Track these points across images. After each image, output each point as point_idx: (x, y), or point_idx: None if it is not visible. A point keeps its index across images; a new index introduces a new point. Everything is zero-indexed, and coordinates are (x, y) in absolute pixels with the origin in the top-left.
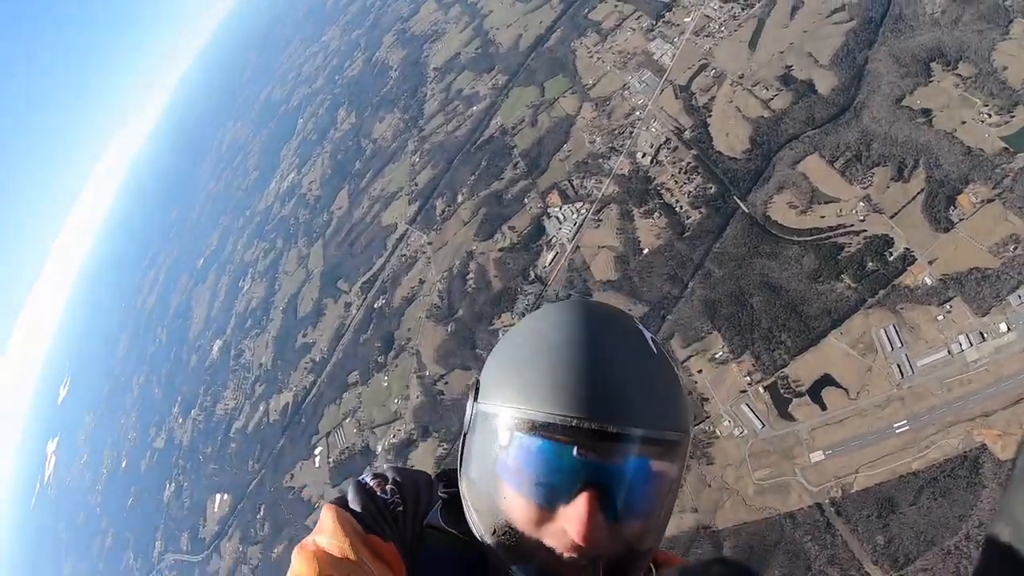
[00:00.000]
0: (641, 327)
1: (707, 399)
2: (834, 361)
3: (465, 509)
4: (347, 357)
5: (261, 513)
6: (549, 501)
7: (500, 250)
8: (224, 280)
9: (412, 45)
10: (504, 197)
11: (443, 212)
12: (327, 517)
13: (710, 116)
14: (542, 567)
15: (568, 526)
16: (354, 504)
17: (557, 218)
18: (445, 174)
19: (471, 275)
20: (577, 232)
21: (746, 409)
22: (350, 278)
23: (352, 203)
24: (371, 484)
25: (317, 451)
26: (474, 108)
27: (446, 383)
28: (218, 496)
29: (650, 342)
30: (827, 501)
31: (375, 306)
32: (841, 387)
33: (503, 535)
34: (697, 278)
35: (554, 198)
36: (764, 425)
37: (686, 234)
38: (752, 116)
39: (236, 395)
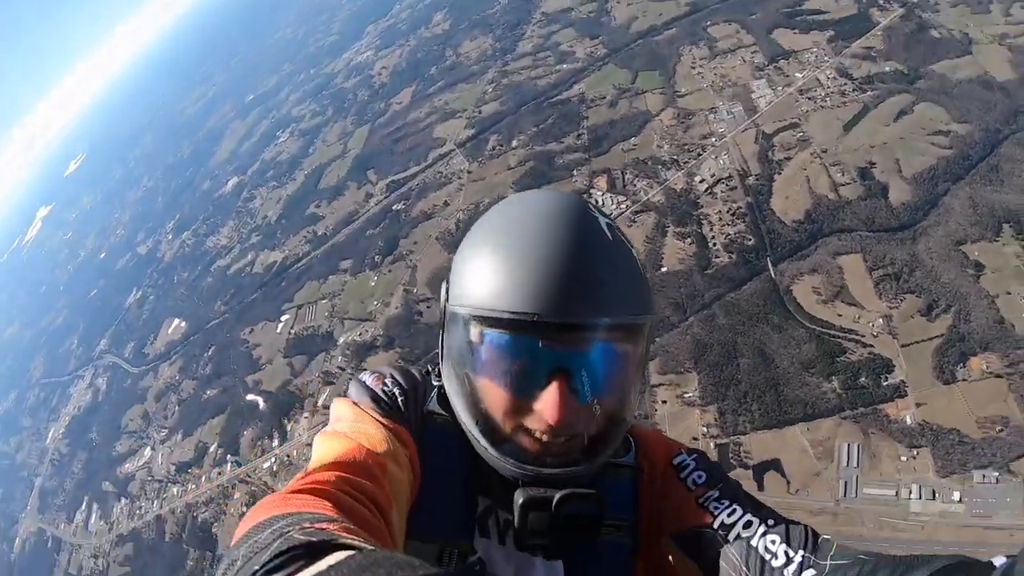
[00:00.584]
0: (597, 212)
1: (658, 427)
2: (790, 451)
3: (450, 402)
4: (347, 243)
5: (209, 353)
6: (523, 390)
7: None
8: (264, 124)
9: None
10: (555, 160)
11: (493, 149)
12: (342, 407)
13: (779, 173)
14: (524, 451)
15: (542, 410)
16: (362, 396)
17: (596, 202)
18: (511, 115)
19: None
20: None
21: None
22: (381, 172)
23: (413, 103)
24: (371, 381)
25: (284, 317)
26: (563, 66)
27: (428, 307)
28: (176, 321)
29: (606, 228)
30: None
31: (393, 208)
32: (785, 477)
33: (484, 425)
34: (700, 316)
35: (601, 182)
36: None
37: (708, 270)
38: (818, 192)
39: (231, 235)
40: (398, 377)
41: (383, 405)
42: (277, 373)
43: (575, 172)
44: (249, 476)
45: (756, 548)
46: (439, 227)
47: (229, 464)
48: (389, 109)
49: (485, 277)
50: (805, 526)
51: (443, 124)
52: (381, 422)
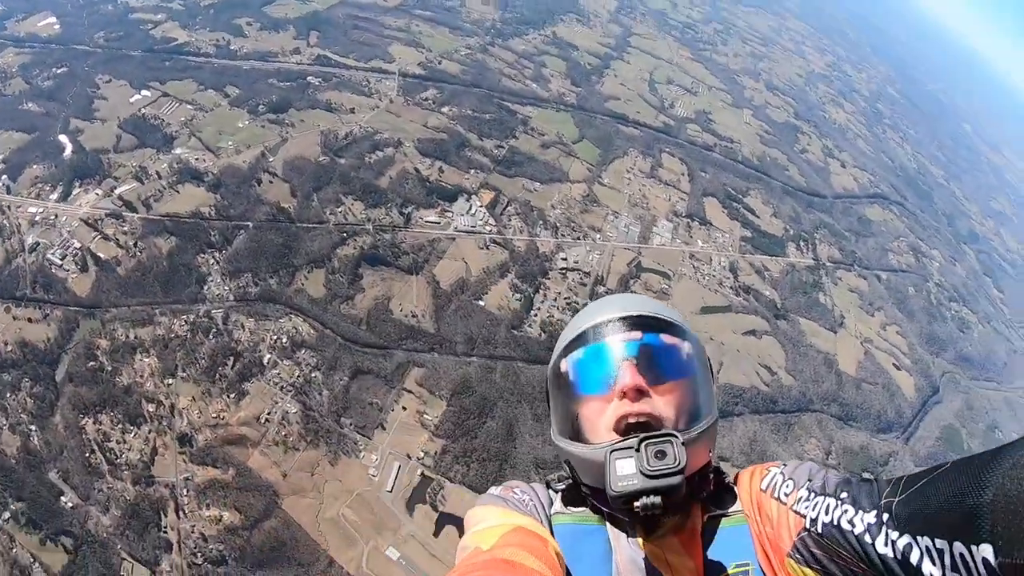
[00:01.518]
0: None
1: (384, 427)
2: None
3: (563, 450)
4: (248, 75)
5: (58, 71)
6: (606, 386)
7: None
8: None
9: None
10: (465, 149)
11: (426, 99)
12: (482, 510)
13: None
14: (614, 441)
15: (619, 384)
16: (497, 501)
17: (468, 206)
18: (462, 86)
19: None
20: (460, 230)
21: (395, 467)
22: (323, 41)
23: (394, 10)
24: (500, 491)
25: (144, 93)
26: (533, 84)
27: (270, 182)
28: (53, 19)
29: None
30: None
31: (307, 78)
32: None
33: (593, 444)
34: (483, 362)
35: (486, 196)
36: (390, 491)
37: (515, 330)
38: None
39: None
40: (523, 486)
41: (517, 506)
42: (101, 135)
43: (472, 171)
44: (7, 208)
45: (840, 527)
46: (330, 123)
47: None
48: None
49: (567, 333)
50: (860, 477)
51: (403, 47)
52: (524, 515)
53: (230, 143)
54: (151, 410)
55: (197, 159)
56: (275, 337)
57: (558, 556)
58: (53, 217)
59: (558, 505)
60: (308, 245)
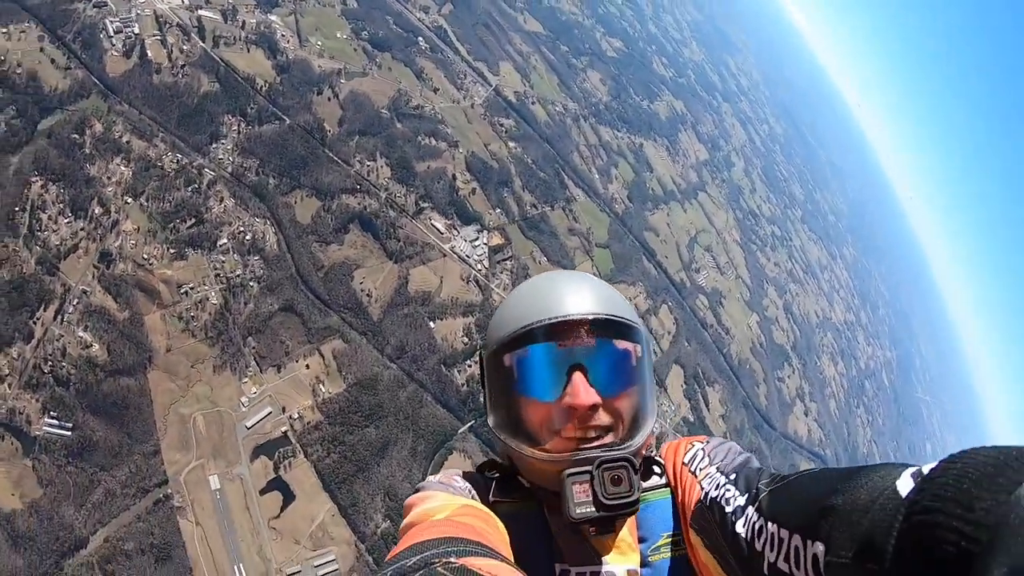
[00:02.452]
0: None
1: (279, 370)
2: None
3: (502, 442)
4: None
5: None
6: (553, 393)
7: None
8: None
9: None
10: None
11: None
12: (425, 494)
13: None
14: (567, 458)
15: (569, 399)
16: (438, 488)
17: (475, 238)
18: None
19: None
20: (456, 252)
21: (266, 412)
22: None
23: None
24: (442, 477)
25: None
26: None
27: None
28: None
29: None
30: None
31: None
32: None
33: (530, 440)
34: (401, 372)
35: (495, 239)
36: (248, 428)
37: (445, 367)
38: None
39: None
40: (461, 475)
41: (459, 492)
42: None
43: (498, 210)
44: None
45: (720, 503)
46: (411, 87)
47: None
48: (518, 13)
49: (507, 319)
50: (759, 467)
51: (513, 70)
52: (468, 499)
53: (319, 44)
54: (96, 212)
55: (283, 36)
56: (241, 230)
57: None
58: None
59: (495, 493)
60: (322, 174)
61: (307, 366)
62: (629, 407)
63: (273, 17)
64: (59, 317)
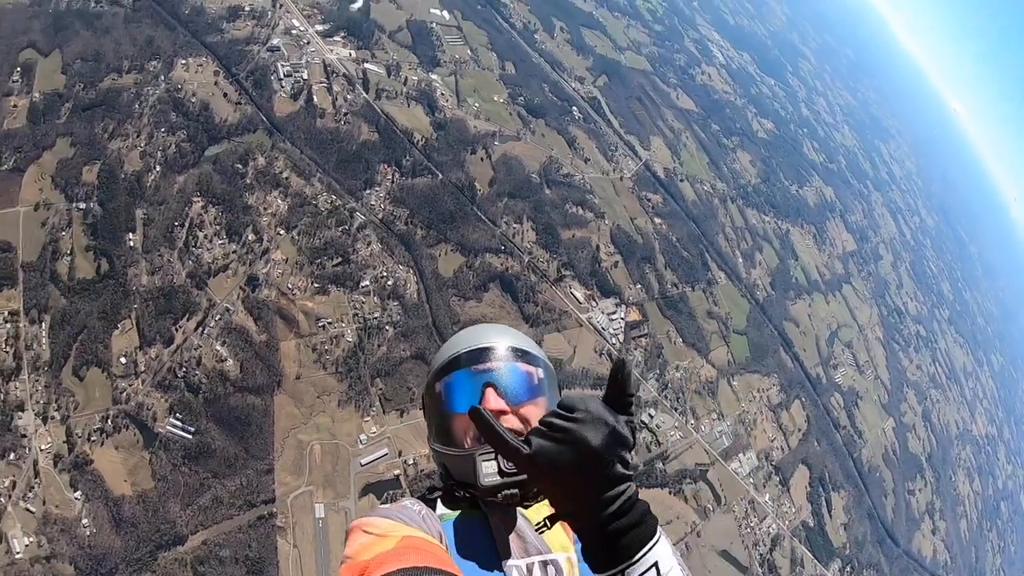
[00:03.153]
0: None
1: (402, 415)
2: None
3: (439, 454)
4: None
5: None
6: (470, 405)
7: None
8: None
9: None
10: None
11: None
12: (371, 520)
13: (671, 492)
14: (487, 459)
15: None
16: (382, 517)
17: (613, 311)
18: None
19: None
20: (592, 324)
21: (382, 452)
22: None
23: None
24: (387, 508)
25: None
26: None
27: None
28: None
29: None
30: None
31: None
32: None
33: (463, 449)
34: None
35: (633, 314)
36: (362, 465)
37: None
38: None
39: None
40: (411, 500)
41: (404, 518)
42: (389, 16)
43: (638, 286)
44: (279, 6)
45: None
46: (562, 154)
47: None
48: (671, 89)
49: (439, 358)
50: None
51: (663, 146)
52: (412, 526)
53: (476, 105)
54: (249, 238)
55: (442, 94)
56: (384, 274)
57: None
58: (305, 42)
59: (441, 509)
60: (468, 231)
61: None
62: (535, 414)
63: (434, 76)
64: (200, 329)
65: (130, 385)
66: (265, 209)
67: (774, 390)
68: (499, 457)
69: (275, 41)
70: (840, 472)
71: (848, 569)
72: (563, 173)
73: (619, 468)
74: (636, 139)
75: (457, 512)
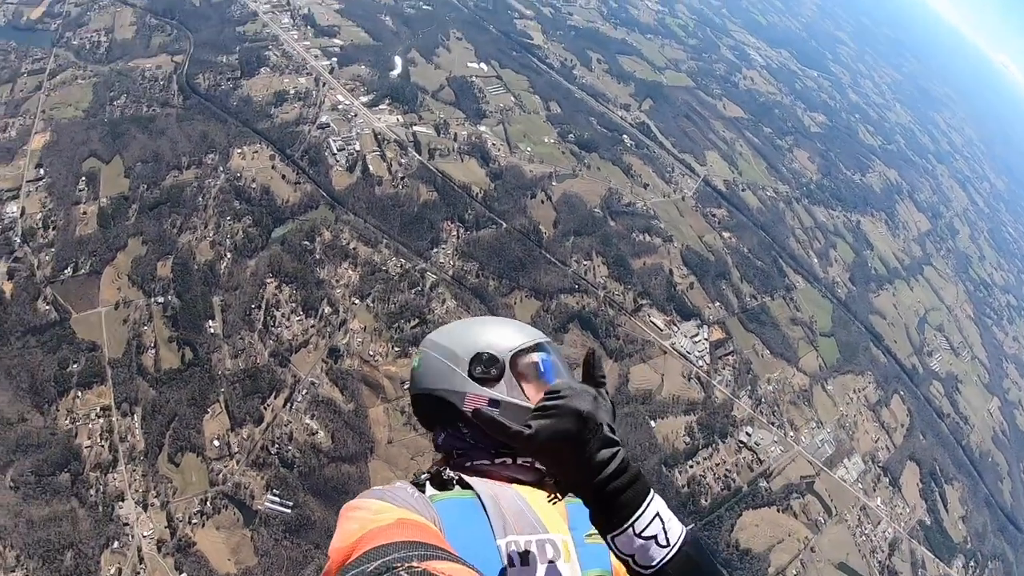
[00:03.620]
0: None
1: None
2: None
3: (499, 424)
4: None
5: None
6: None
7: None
8: None
9: None
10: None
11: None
12: (362, 501)
13: (779, 511)
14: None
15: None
16: (380, 495)
17: (695, 333)
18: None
19: None
20: (676, 349)
21: None
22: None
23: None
24: (382, 488)
25: (480, 66)
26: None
27: None
28: None
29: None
30: None
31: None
32: None
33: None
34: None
35: (716, 333)
36: None
37: (666, 467)
38: (776, 559)
39: None
40: (402, 483)
41: (395, 499)
42: (429, 77)
43: (717, 303)
44: (323, 84)
45: None
46: (621, 184)
47: (328, 63)
48: (717, 100)
49: (510, 334)
50: None
51: (719, 158)
52: (404, 508)
53: (528, 149)
54: (326, 311)
55: (493, 144)
56: None
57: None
58: (352, 115)
59: (430, 490)
60: (540, 275)
61: None
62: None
63: (482, 128)
64: (288, 405)
65: (225, 466)
66: (338, 281)
67: (870, 388)
68: None
69: (324, 118)
70: (951, 463)
71: (972, 564)
72: (624, 203)
73: (608, 432)
74: (691, 156)
75: (448, 494)
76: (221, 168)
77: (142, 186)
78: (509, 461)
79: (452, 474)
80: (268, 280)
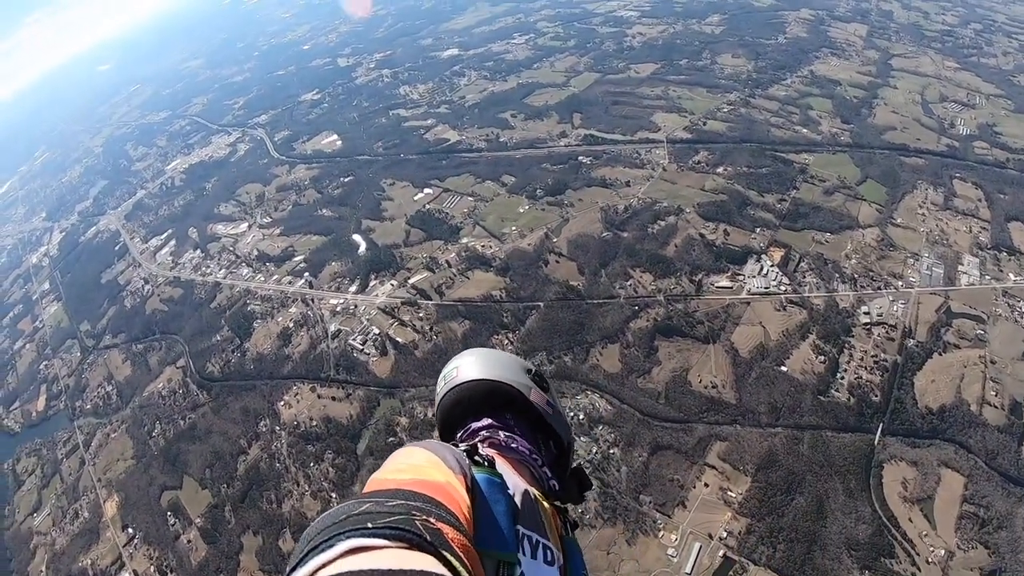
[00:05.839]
0: None
1: (684, 505)
2: None
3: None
4: (521, 162)
5: (345, 180)
6: None
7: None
8: (508, 19)
9: None
10: (747, 207)
11: (698, 163)
12: (418, 451)
13: (939, 353)
14: None
15: None
16: (432, 447)
17: (759, 267)
18: (732, 144)
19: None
20: (754, 293)
21: (696, 548)
22: (587, 121)
23: (649, 79)
24: (434, 443)
25: (427, 191)
26: (803, 129)
27: (556, 261)
28: (335, 136)
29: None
30: None
31: (579, 158)
32: None
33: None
34: (788, 433)
35: (776, 253)
36: (689, 573)
37: (822, 396)
38: (964, 395)
39: (425, 95)
40: (455, 448)
41: (447, 460)
42: (391, 232)
43: (757, 229)
44: (311, 300)
45: None
46: (609, 199)
47: (303, 280)
48: (626, 72)
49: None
50: None
51: (665, 114)
52: (451, 471)
53: (513, 228)
54: None
55: (483, 246)
56: (572, 414)
57: (468, 509)
58: (353, 307)
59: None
60: (600, 321)
61: (705, 484)
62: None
63: (464, 240)
64: None
65: None
66: None
67: (930, 192)
68: None
69: (332, 327)
70: None
71: None
72: (622, 210)
73: None
74: (644, 131)
75: (478, 469)
76: (277, 427)
77: (222, 488)
78: (539, 460)
79: (487, 452)
80: None
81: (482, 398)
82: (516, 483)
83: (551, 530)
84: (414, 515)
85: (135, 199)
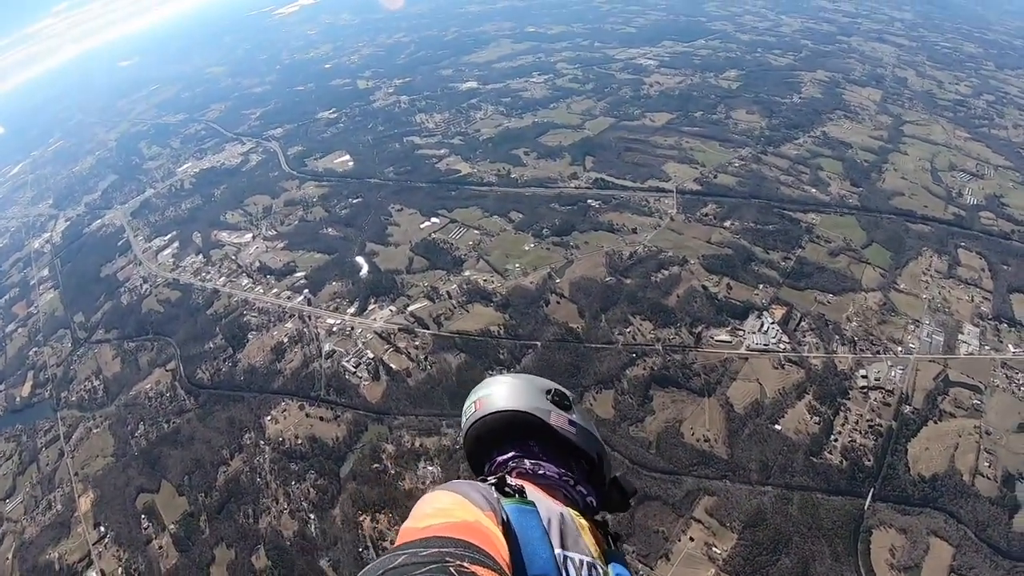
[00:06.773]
0: None
1: (668, 558)
2: None
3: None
4: (529, 200)
5: (353, 201)
6: None
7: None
8: (528, 58)
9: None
10: (751, 263)
11: (706, 215)
12: (445, 495)
13: (934, 421)
14: None
15: None
16: (460, 491)
17: (760, 323)
18: (740, 198)
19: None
20: (753, 349)
21: None
22: (598, 165)
23: (663, 129)
24: (461, 484)
25: (434, 220)
26: (812, 189)
27: (557, 303)
28: (347, 156)
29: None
30: None
31: (588, 201)
32: None
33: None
34: (778, 492)
35: (777, 311)
36: None
37: (814, 457)
38: (956, 464)
39: (440, 124)
40: (480, 483)
41: (473, 497)
42: (395, 257)
43: (761, 285)
44: (308, 318)
45: None
46: (615, 244)
47: (302, 296)
48: (641, 119)
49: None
50: None
51: (677, 164)
52: (479, 509)
53: (517, 265)
54: None
55: (485, 280)
56: None
57: (501, 544)
58: (349, 329)
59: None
60: (597, 365)
61: (691, 538)
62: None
63: (466, 272)
64: None
65: None
66: (424, 482)
67: (934, 260)
68: None
69: (326, 347)
70: None
71: None
72: (627, 257)
73: None
74: (654, 179)
75: (510, 500)
76: (262, 442)
77: (200, 496)
78: (571, 480)
79: (516, 483)
80: (360, 518)
81: (503, 429)
82: (550, 507)
83: (593, 547)
84: (447, 562)
85: (143, 197)
